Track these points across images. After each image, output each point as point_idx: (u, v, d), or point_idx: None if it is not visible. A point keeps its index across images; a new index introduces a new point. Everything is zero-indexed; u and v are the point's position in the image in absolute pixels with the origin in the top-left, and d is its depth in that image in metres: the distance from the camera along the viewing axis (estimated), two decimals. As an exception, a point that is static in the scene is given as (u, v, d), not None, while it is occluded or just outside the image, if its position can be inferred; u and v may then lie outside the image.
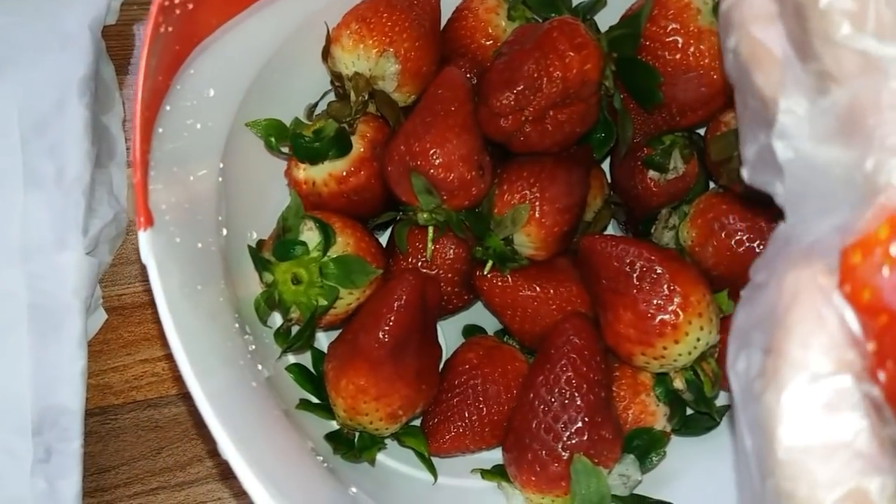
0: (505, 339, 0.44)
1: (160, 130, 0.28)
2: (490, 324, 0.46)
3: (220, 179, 0.35)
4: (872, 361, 0.17)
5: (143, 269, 0.48)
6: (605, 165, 0.47)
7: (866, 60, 0.18)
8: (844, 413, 0.17)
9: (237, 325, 0.33)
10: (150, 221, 0.26)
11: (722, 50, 0.22)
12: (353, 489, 0.34)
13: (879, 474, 0.16)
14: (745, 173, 0.23)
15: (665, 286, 0.36)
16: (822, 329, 0.17)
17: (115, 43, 0.51)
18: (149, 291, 0.47)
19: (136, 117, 0.26)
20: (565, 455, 0.36)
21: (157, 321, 0.46)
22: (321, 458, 0.34)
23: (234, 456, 0.24)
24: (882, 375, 0.17)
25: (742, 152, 0.23)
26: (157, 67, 0.28)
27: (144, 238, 0.26)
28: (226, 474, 0.44)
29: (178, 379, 0.46)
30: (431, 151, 0.37)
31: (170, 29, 0.28)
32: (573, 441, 0.36)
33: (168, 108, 0.29)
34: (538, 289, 0.41)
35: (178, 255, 0.28)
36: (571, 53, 0.36)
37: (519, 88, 0.37)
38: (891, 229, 0.16)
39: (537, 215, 0.39)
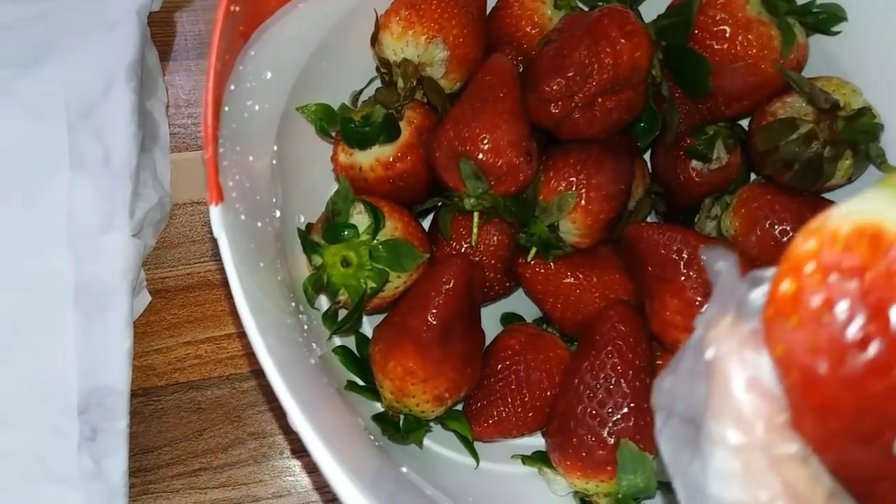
0: (544, 328, 0.44)
1: (226, 109, 0.29)
2: (528, 312, 0.46)
3: (274, 162, 0.36)
4: (792, 416, 0.16)
5: (187, 252, 0.48)
6: (646, 156, 0.47)
7: None
8: (758, 488, 0.16)
9: (293, 305, 0.34)
10: (220, 197, 0.26)
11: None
12: (404, 468, 0.34)
13: None
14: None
15: (713, 273, 0.37)
16: (733, 398, 0.17)
17: (159, 30, 0.51)
18: (192, 275, 0.48)
19: (209, 94, 0.26)
20: (611, 440, 0.36)
21: (200, 304, 0.47)
22: (372, 436, 0.35)
23: (304, 427, 0.24)
24: (802, 431, 0.16)
25: None
26: (226, 47, 0.28)
27: (216, 213, 0.26)
28: (268, 456, 0.45)
29: (221, 361, 0.46)
30: (481, 137, 0.37)
31: (237, 9, 0.29)
32: (619, 426, 0.36)
33: (232, 87, 0.30)
34: (581, 276, 0.42)
35: (244, 231, 0.29)
36: (623, 40, 0.37)
37: (569, 74, 0.37)
38: (796, 280, 0.15)
39: (583, 202, 0.39)
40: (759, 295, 0.17)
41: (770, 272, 0.17)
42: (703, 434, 0.17)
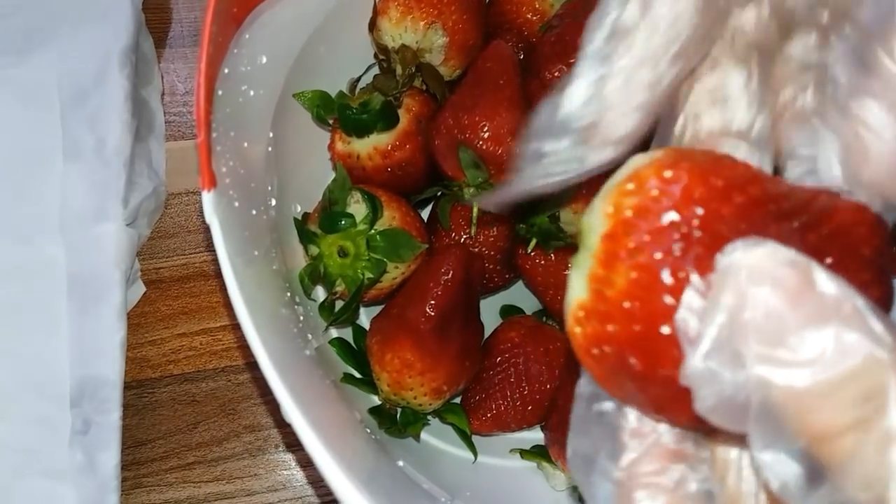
0: (544, 320, 0.44)
1: (219, 93, 0.28)
2: (528, 304, 0.45)
3: (270, 149, 0.35)
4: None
5: (182, 242, 0.48)
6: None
7: None
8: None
9: (288, 295, 0.33)
10: (213, 182, 0.26)
11: None
12: (401, 462, 0.33)
13: None
14: None
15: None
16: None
17: (155, 17, 0.51)
18: (187, 266, 0.47)
19: (201, 76, 0.26)
20: (612, 434, 0.36)
21: (196, 295, 0.46)
22: (369, 430, 0.34)
23: (299, 421, 0.24)
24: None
25: None
26: (219, 29, 0.28)
27: (208, 199, 0.25)
28: (263, 449, 0.44)
29: (216, 353, 0.46)
30: (481, 124, 0.37)
31: (231, -10, 0.28)
32: (621, 420, 0.36)
33: (226, 70, 0.29)
34: (582, 268, 0.41)
35: (237, 219, 0.28)
36: (626, 27, 0.36)
37: (572, 61, 0.36)
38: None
39: (585, 191, 0.39)
40: None
41: None
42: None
